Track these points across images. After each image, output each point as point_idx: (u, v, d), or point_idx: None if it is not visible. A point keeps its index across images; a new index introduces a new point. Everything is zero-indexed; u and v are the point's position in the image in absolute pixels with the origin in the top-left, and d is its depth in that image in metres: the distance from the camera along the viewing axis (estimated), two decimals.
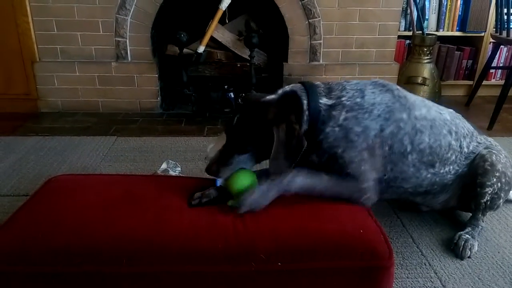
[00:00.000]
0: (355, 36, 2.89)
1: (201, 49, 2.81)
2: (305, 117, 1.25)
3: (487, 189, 1.45)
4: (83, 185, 1.33)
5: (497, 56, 3.14)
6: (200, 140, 2.43)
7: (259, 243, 1.07)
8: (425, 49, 2.95)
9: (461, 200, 1.56)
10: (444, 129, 1.40)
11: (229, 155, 1.25)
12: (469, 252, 1.47)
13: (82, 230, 1.09)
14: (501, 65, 3.36)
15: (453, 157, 1.44)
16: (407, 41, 3.26)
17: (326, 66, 2.93)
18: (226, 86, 2.94)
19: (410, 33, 3.09)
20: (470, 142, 1.48)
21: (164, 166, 1.85)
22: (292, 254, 1.06)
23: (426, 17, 3.21)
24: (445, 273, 1.40)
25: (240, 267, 1.05)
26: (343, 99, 1.27)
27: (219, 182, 1.28)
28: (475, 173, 1.46)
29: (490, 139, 1.57)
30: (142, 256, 1.04)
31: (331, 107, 1.26)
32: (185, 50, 2.82)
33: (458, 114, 1.51)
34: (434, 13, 3.21)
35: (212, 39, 2.86)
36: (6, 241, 1.07)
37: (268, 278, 1.07)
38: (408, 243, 1.55)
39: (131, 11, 2.69)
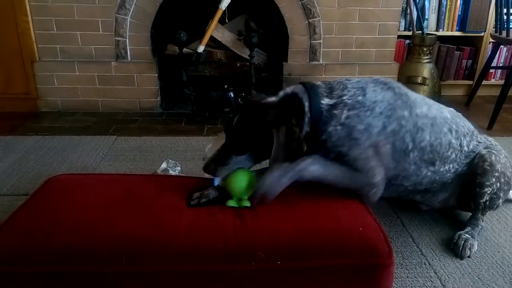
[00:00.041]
0: (355, 36, 2.89)
1: (201, 48, 2.81)
2: (306, 119, 1.25)
3: (486, 189, 1.45)
4: (83, 185, 1.33)
5: (496, 56, 3.14)
6: (200, 139, 2.43)
7: (259, 242, 1.07)
8: (425, 49, 2.95)
9: (460, 199, 1.56)
10: (445, 127, 1.40)
11: (227, 155, 1.25)
12: (468, 251, 1.47)
13: (82, 229, 1.09)
14: (500, 65, 3.36)
15: (453, 156, 1.44)
16: (407, 41, 3.26)
17: (326, 66, 2.93)
18: (226, 86, 2.94)
19: (410, 33, 3.09)
20: (470, 141, 1.48)
21: (164, 165, 1.85)
22: (291, 252, 1.06)
23: (426, 17, 3.21)
24: (445, 272, 1.40)
25: (240, 266, 1.05)
26: (345, 97, 1.27)
27: (217, 181, 1.28)
28: (474, 173, 1.46)
29: (490, 138, 1.57)
30: (142, 256, 1.04)
31: (333, 106, 1.26)
32: (185, 49, 2.82)
33: (459, 113, 1.51)
34: (434, 13, 3.21)
35: (212, 38, 2.86)
36: (6, 241, 1.07)
37: (268, 276, 1.07)
38: (408, 243, 1.55)
39: (131, 11, 2.69)
